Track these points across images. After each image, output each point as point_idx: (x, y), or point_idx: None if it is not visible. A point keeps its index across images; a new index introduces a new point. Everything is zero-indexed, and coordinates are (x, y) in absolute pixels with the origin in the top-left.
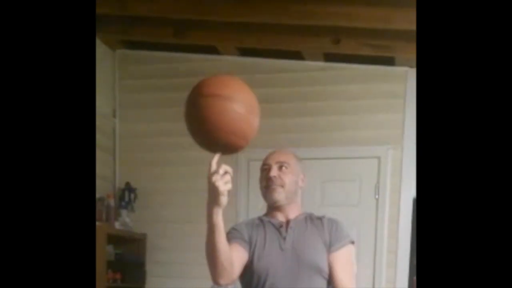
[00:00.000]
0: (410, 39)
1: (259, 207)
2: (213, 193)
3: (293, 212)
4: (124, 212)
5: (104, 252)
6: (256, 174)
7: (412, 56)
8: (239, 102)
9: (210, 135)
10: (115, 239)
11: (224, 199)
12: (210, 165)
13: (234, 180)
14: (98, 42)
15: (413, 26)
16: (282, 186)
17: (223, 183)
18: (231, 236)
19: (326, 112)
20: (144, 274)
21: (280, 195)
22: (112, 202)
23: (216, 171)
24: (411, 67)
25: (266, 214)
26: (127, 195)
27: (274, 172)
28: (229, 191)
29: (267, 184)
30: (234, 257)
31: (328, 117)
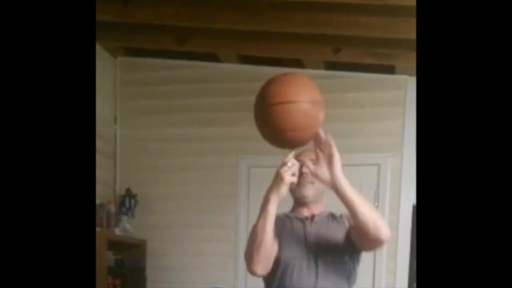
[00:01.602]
0: (410, 47)
1: None
2: (278, 182)
3: (317, 209)
4: (124, 218)
5: (104, 258)
6: (256, 180)
7: (412, 64)
8: (304, 103)
9: (280, 137)
10: (115, 245)
11: (285, 190)
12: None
13: (235, 186)
14: (99, 49)
15: (413, 35)
16: (312, 183)
17: (290, 174)
18: None
19: (326, 120)
20: (144, 279)
21: (309, 191)
22: (112, 208)
23: (285, 163)
24: (411, 75)
25: (292, 210)
26: (127, 201)
27: (307, 168)
28: (292, 184)
29: (298, 180)
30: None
31: (328, 125)
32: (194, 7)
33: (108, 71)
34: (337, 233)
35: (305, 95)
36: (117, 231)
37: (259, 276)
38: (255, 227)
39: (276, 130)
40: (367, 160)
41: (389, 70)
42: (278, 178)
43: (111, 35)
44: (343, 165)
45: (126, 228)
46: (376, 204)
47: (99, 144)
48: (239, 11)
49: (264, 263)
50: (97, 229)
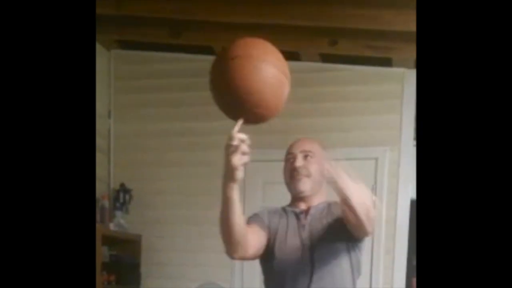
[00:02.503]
0: (408, 40)
1: None
2: (227, 167)
3: (316, 201)
4: (119, 213)
5: (98, 253)
6: (252, 175)
7: (410, 57)
8: (271, 63)
9: (238, 97)
10: (110, 241)
11: (239, 174)
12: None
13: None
14: None
15: (410, 27)
16: (308, 176)
17: (238, 157)
18: (251, 219)
19: (323, 113)
20: (139, 275)
21: (305, 186)
22: (106, 203)
23: (230, 144)
24: (408, 68)
25: (290, 205)
26: (122, 196)
27: (299, 162)
28: (246, 164)
29: (292, 174)
30: (250, 236)
31: (325, 118)
32: (188, 0)
33: (102, 64)
34: (333, 223)
35: (272, 58)
36: (112, 226)
37: (237, 260)
38: (221, 216)
39: (230, 90)
40: (365, 154)
41: (386, 62)
42: (226, 163)
43: (104, 27)
44: (339, 159)
45: (120, 223)
46: (373, 198)
47: None
48: (235, 4)
49: (239, 248)
50: None
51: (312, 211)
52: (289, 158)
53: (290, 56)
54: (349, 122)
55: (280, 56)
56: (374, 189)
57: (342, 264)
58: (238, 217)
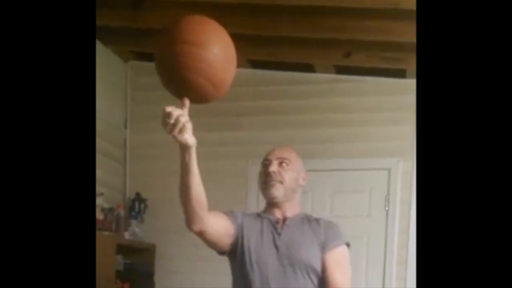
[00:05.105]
0: None
1: None
2: (182, 149)
3: (291, 210)
4: (134, 222)
5: (113, 262)
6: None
7: None
8: (215, 48)
9: (181, 77)
10: (125, 249)
11: (190, 141)
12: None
13: (245, 191)
14: (110, 53)
15: None
16: (281, 182)
17: (178, 132)
18: (224, 212)
19: (337, 124)
20: (153, 284)
21: (278, 191)
22: (122, 212)
23: (166, 120)
24: None
25: (264, 211)
26: (137, 206)
27: (273, 167)
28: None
29: (266, 180)
30: (213, 215)
31: (339, 129)
32: (203, 12)
33: (119, 75)
34: (310, 236)
35: (218, 41)
36: (127, 236)
37: (195, 233)
38: (180, 184)
39: (177, 71)
40: (378, 165)
41: (400, 74)
42: (180, 146)
43: (121, 39)
44: (353, 170)
45: (135, 232)
46: (386, 209)
47: (109, 148)
48: (249, 16)
49: (198, 218)
50: (106, 233)
51: (288, 222)
52: (265, 164)
53: (304, 67)
54: (362, 133)
55: (225, 37)
56: (387, 200)
57: (313, 276)
58: (196, 183)
